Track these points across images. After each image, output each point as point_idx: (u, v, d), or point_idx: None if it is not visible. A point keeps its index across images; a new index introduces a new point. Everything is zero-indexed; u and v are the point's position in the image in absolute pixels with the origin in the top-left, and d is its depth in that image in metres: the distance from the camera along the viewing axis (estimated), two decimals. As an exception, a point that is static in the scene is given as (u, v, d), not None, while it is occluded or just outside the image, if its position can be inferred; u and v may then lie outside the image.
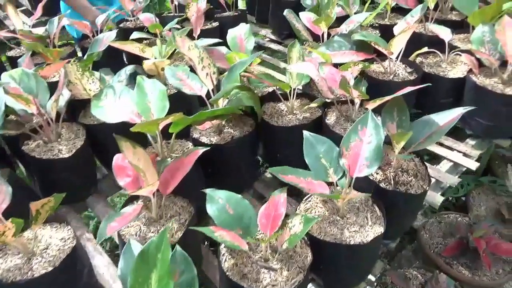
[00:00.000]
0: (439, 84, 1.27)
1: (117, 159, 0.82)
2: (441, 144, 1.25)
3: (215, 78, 1.01)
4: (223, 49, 1.24)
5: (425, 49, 1.33)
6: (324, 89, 1.00)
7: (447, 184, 1.11)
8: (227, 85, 0.95)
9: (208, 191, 0.74)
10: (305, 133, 0.85)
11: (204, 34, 1.58)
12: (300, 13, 1.42)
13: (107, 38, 1.30)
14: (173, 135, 0.94)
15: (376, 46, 1.19)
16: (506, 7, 1.28)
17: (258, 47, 1.98)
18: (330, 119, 1.08)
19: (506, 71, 1.17)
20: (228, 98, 1.06)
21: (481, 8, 1.28)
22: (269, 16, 1.95)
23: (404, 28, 1.15)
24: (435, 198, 1.05)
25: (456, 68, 1.29)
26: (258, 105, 1.05)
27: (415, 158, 0.94)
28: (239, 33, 1.24)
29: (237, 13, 1.80)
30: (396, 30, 1.28)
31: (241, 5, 2.35)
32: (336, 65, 1.14)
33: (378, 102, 0.93)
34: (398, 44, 1.17)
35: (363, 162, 0.78)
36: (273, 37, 1.98)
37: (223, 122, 1.07)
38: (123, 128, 0.86)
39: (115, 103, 0.98)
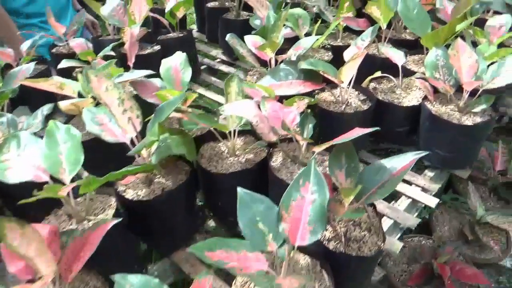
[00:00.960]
0: (394, 112, 1.19)
1: (5, 239, 0.66)
2: (399, 177, 1.16)
3: (139, 122, 0.88)
4: (157, 82, 1.10)
5: (378, 73, 1.24)
6: (264, 132, 0.89)
7: (406, 225, 1.02)
8: (149, 134, 0.82)
9: (117, 278, 0.60)
10: (239, 190, 0.73)
11: (143, 60, 1.44)
12: (245, 37, 1.31)
13: (23, 72, 1.14)
14: (87, 196, 0.80)
15: (325, 75, 1.10)
16: (460, 28, 1.22)
17: (209, 69, 1.85)
18: (276, 161, 0.97)
19: (462, 99, 1.10)
20: (159, 141, 0.93)
21: (433, 31, 1.21)
22: (218, 35, 1.83)
23: (353, 56, 1.05)
24: (394, 244, 0.96)
25: (411, 94, 1.21)
26: (192, 152, 0.92)
27: (369, 208, 0.84)
28: (174, 63, 1.11)
29: (183, 34, 1.67)
30: (346, 55, 1.18)
31: (193, 21, 2.22)
32: (282, 99, 1.04)
33: (324, 146, 0.83)
34: (348, 72, 1.08)
35: (306, 226, 0.67)
36: (224, 57, 1.86)
37: (154, 170, 0.93)
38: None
39: (19, 157, 0.83)
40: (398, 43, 1.47)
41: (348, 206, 0.78)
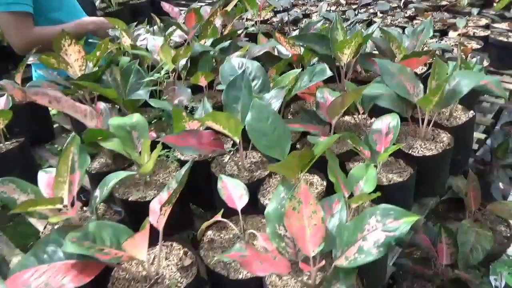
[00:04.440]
0: (232, 286, 0.82)
1: None
2: None
3: None
4: None
5: (219, 216, 0.88)
6: None
7: None
8: None
9: None
10: None
11: None
12: (39, 174, 0.95)
13: None
14: None
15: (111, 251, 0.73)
16: (320, 151, 0.87)
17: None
18: None
19: (311, 277, 0.73)
20: None
21: (283, 161, 0.85)
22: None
23: (143, 224, 0.69)
24: None
25: (258, 252, 0.84)
26: None
27: None
28: None
29: (16, 144, 1.29)
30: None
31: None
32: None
33: None
34: (139, 247, 0.71)
35: None
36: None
37: None
38: None
39: None
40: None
41: None
